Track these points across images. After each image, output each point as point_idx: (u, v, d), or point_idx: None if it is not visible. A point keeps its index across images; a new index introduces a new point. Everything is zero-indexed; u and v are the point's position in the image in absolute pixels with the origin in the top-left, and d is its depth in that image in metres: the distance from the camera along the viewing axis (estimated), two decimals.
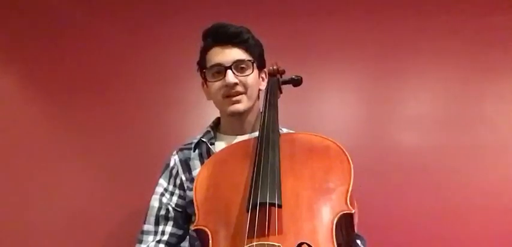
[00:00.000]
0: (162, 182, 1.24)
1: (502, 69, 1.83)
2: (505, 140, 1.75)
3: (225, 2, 1.95)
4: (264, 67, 1.30)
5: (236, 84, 1.17)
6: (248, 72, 1.19)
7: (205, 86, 1.27)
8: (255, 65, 1.21)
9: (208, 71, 1.21)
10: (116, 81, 1.90)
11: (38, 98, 1.91)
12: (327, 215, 0.87)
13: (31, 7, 1.97)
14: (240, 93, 1.19)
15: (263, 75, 1.30)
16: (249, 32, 1.22)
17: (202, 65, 1.24)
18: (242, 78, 1.18)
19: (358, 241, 1.09)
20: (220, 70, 1.18)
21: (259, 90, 1.28)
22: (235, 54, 1.18)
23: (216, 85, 1.20)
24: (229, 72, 1.17)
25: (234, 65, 1.17)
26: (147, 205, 1.23)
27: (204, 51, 1.23)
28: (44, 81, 1.90)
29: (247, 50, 1.20)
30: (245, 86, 1.19)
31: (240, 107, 1.19)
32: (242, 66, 1.19)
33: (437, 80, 1.85)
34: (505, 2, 1.88)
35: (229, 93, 1.18)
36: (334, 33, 1.90)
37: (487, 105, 1.79)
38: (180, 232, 1.19)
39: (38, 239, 1.73)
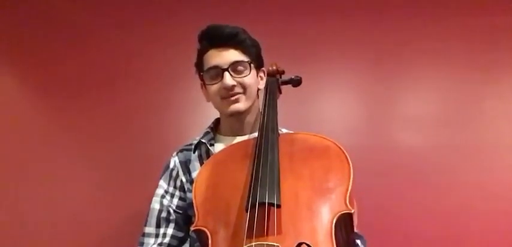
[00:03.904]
0: (163, 184, 1.24)
1: (502, 69, 1.83)
2: (505, 140, 1.74)
3: (225, 2, 1.95)
4: (262, 66, 1.30)
5: (234, 85, 1.17)
6: (246, 73, 1.19)
7: (204, 88, 1.27)
8: (252, 65, 1.21)
9: (206, 74, 1.21)
10: (116, 82, 1.90)
11: (38, 98, 1.91)
12: (326, 215, 0.87)
13: (31, 7, 1.98)
14: (238, 94, 1.18)
15: (261, 75, 1.29)
16: (245, 32, 1.22)
17: (199, 67, 1.24)
18: (240, 80, 1.18)
19: (358, 241, 1.09)
20: (218, 72, 1.18)
21: (258, 89, 1.27)
22: (231, 55, 1.18)
23: (214, 87, 1.19)
24: (226, 74, 1.16)
25: (231, 66, 1.17)
26: (146, 206, 1.22)
27: (201, 54, 1.23)
28: (44, 82, 1.90)
29: (244, 50, 1.20)
30: (243, 86, 1.19)
31: (239, 106, 1.19)
32: (239, 67, 1.18)
33: (437, 80, 1.85)
34: (506, 2, 1.88)
35: (228, 95, 1.18)
36: (334, 33, 1.90)
37: (487, 105, 1.79)
38: (181, 234, 1.19)
39: (37, 240, 1.73)
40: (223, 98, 1.19)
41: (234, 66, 1.17)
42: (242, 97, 1.19)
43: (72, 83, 1.90)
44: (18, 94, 1.93)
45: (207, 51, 1.20)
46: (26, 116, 1.89)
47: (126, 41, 1.94)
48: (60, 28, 1.96)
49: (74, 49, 1.94)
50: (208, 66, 1.19)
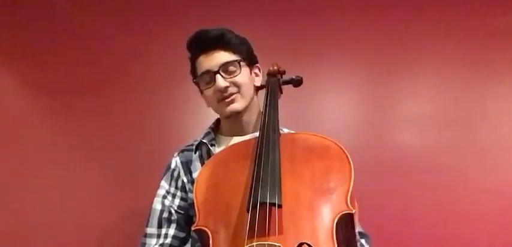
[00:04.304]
0: (164, 184, 1.24)
1: (502, 69, 1.83)
2: (506, 140, 1.74)
3: (225, 3, 1.95)
4: (256, 63, 1.29)
5: (227, 87, 1.17)
6: (237, 72, 1.19)
7: (202, 94, 1.27)
8: (242, 63, 1.21)
9: (200, 80, 1.22)
10: (116, 82, 1.90)
11: (38, 98, 1.91)
12: (327, 215, 0.86)
13: (31, 7, 1.98)
14: (233, 94, 1.19)
15: (256, 71, 1.29)
16: (231, 32, 1.22)
17: (193, 75, 1.25)
18: (232, 79, 1.18)
19: (363, 240, 1.09)
20: (210, 76, 1.18)
21: (257, 87, 1.27)
22: (221, 57, 1.18)
23: (209, 91, 1.20)
24: (218, 76, 1.17)
25: (221, 68, 1.17)
26: (147, 207, 1.23)
27: (192, 62, 1.24)
28: (44, 82, 1.90)
29: (232, 50, 1.20)
30: (237, 85, 1.19)
31: (236, 106, 1.19)
32: (230, 67, 1.19)
33: (438, 80, 1.85)
34: (505, 2, 1.88)
35: (223, 97, 1.18)
36: (335, 34, 1.90)
37: (487, 105, 1.79)
38: (182, 234, 1.19)
39: (38, 239, 1.73)
40: (219, 101, 1.20)
41: (224, 67, 1.18)
42: (237, 96, 1.20)
43: (73, 84, 1.90)
44: (18, 94, 1.93)
45: (197, 57, 1.21)
46: (26, 116, 1.89)
47: (126, 42, 1.94)
48: (61, 29, 1.96)
49: (74, 49, 1.94)
50: (200, 71, 1.20)
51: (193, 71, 1.25)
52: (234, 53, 1.20)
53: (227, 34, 1.20)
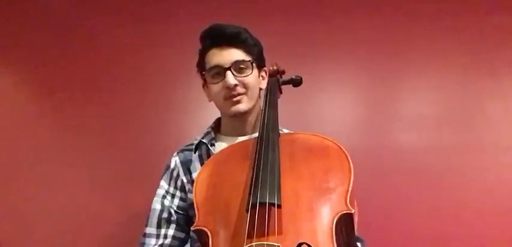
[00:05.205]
0: (163, 184, 1.24)
1: (502, 69, 1.83)
2: (505, 140, 1.74)
3: (225, 2, 1.95)
4: (264, 66, 1.30)
5: (236, 85, 1.17)
6: (248, 72, 1.19)
7: (205, 87, 1.27)
8: (254, 64, 1.21)
9: (208, 73, 1.21)
10: (116, 82, 1.90)
11: (38, 98, 1.91)
12: (326, 215, 0.86)
13: (31, 7, 1.98)
14: (240, 94, 1.19)
15: (263, 74, 1.29)
16: (247, 31, 1.22)
17: (201, 67, 1.24)
18: (242, 79, 1.18)
19: (359, 244, 1.09)
20: (220, 72, 1.18)
21: (260, 89, 1.27)
22: (234, 55, 1.18)
23: (217, 87, 1.20)
24: (228, 73, 1.16)
25: (233, 66, 1.17)
26: (147, 206, 1.22)
27: (203, 53, 1.23)
28: (44, 82, 1.90)
29: (246, 50, 1.20)
30: (245, 86, 1.19)
31: (241, 107, 1.19)
32: (241, 66, 1.19)
33: (437, 80, 1.85)
34: (505, 2, 1.88)
35: (230, 94, 1.18)
36: (334, 33, 1.90)
37: (487, 105, 1.79)
38: (182, 235, 1.19)
39: (37, 239, 1.73)
40: (225, 99, 1.19)
41: (236, 66, 1.18)
42: (244, 97, 1.19)
43: (72, 83, 1.90)
44: (18, 94, 1.93)
45: (209, 50, 1.20)
46: (26, 116, 1.89)
47: (126, 41, 1.94)
48: (60, 28, 1.96)
49: (74, 49, 1.94)
50: (210, 65, 1.19)
51: (202, 63, 1.24)
52: (247, 53, 1.20)
53: (243, 33, 1.20)
